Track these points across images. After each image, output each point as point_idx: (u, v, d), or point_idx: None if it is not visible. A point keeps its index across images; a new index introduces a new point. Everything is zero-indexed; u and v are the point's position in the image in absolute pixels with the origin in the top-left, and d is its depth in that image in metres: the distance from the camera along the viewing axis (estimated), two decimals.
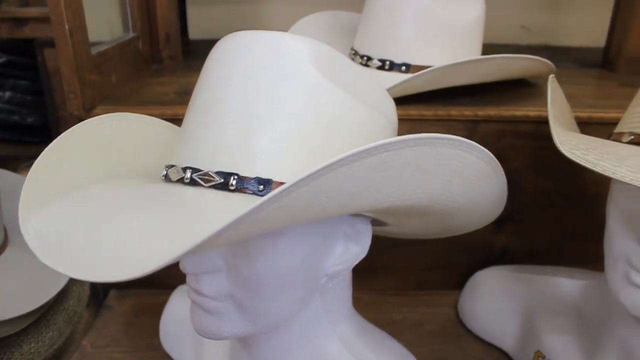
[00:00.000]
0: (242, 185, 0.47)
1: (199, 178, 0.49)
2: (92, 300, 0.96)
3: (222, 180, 0.48)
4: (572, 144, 0.55)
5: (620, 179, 0.48)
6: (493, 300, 0.84)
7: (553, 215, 0.89)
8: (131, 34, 1.00)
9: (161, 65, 1.09)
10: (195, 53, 1.19)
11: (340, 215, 0.50)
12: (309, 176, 0.39)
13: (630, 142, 0.59)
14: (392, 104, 0.60)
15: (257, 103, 0.48)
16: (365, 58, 0.85)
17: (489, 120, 0.82)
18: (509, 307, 0.82)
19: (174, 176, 0.50)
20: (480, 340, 0.84)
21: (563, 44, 1.26)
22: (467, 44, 0.85)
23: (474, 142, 0.46)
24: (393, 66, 0.83)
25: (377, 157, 0.42)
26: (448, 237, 0.69)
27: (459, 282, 0.90)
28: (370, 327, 0.66)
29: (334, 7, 1.02)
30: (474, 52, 0.87)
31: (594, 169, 0.50)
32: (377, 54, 0.84)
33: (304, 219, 0.45)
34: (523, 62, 0.82)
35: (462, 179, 0.50)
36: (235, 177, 0.47)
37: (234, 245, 0.50)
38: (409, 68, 0.82)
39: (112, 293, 0.93)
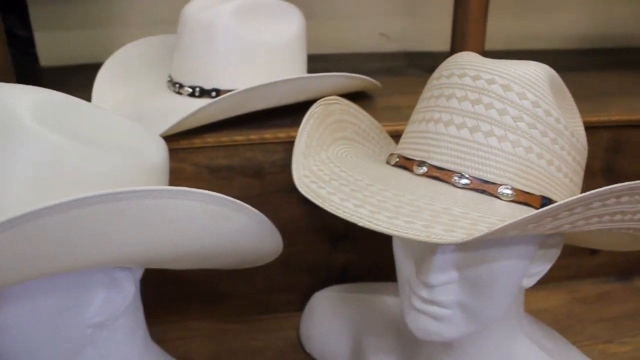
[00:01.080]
0: None
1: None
2: None
3: None
4: (317, 175, 0.53)
5: (342, 216, 0.46)
6: (327, 321, 0.82)
7: None
8: None
9: None
10: (48, 83, 1.14)
11: (76, 269, 0.48)
12: None
13: (396, 165, 0.57)
14: (156, 144, 0.57)
15: None
16: (177, 85, 0.82)
17: None
18: (341, 328, 0.81)
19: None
20: None
21: (422, 50, 1.25)
22: (285, 63, 0.83)
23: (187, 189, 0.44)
24: (203, 92, 0.80)
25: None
26: (286, 259, 0.67)
27: (304, 303, 0.88)
28: None
29: None
30: (295, 70, 0.85)
31: (322, 205, 0.48)
32: (188, 81, 0.81)
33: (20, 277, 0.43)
34: (335, 79, 0.80)
35: (179, 226, 0.47)
36: None
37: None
38: (219, 93, 0.79)
39: None
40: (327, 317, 0.82)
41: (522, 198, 0.52)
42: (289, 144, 0.80)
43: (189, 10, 0.80)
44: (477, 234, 0.41)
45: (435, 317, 0.56)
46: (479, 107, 0.52)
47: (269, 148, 0.80)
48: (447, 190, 0.51)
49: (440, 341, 0.58)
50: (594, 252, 0.99)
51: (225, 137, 0.79)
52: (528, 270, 0.57)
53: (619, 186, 0.42)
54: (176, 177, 0.81)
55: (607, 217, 0.46)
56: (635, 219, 0.47)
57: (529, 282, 0.58)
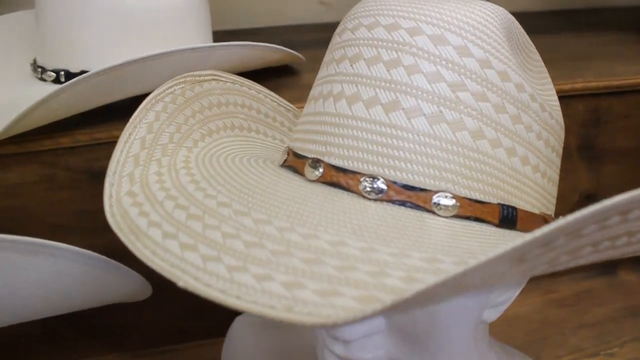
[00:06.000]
0: None
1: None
2: None
3: None
4: (150, 192, 0.32)
5: (156, 269, 0.26)
6: (249, 350, 0.63)
7: None
8: None
9: None
10: None
11: None
12: None
13: (285, 166, 0.36)
14: None
15: None
16: (40, 70, 0.60)
17: None
18: (259, 355, 0.61)
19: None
20: None
21: None
22: (177, 35, 0.61)
23: None
24: (70, 77, 0.58)
25: None
26: None
27: (224, 329, 0.68)
28: None
29: None
30: (186, 43, 0.63)
31: (132, 247, 0.27)
32: (51, 64, 0.59)
33: None
34: (238, 51, 0.59)
35: None
36: None
37: None
38: None
39: None
40: (249, 346, 0.63)
41: (471, 210, 0.31)
42: None
43: None
44: (375, 307, 0.21)
45: None
46: (397, 72, 0.32)
47: None
48: (351, 206, 0.30)
49: None
50: None
51: (101, 133, 0.58)
52: (488, 301, 0.37)
53: (625, 198, 0.21)
54: (47, 187, 0.60)
55: (606, 244, 0.25)
56: None
57: (493, 314, 0.38)
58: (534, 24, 0.99)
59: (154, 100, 0.37)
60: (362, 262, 0.24)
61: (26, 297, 0.34)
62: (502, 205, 0.32)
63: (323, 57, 0.77)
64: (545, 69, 0.41)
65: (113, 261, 0.35)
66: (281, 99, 0.52)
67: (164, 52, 0.51)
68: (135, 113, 0.36)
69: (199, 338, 0.71)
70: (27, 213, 0.60)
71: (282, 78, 0.69)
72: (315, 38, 0.92)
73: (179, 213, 0.28)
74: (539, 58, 0.41)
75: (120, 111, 0.58)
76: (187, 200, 0.29)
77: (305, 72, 0.72)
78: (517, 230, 0.33)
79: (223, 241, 0.26)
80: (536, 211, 0.35)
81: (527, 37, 0.39)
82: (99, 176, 0.60)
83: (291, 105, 0.54)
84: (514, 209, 0.33)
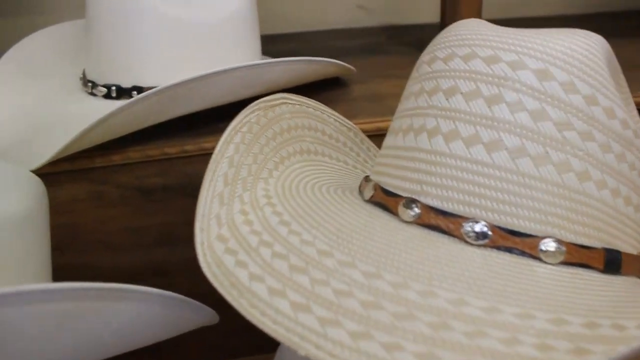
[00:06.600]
0: None
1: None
2: None
3: None
4: (239, 234, 0.30)
5: (274, 335, 0.24)
6: None
7: None
8: None
9: None
10: None
11: None
12: None
13: (372, 201, 0.35)
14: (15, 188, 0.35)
15: None
16: (90, 85, 0.59)
17: None
18: None
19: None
20: None
21: (407, 22, 1.01)
22: (228, 48, 0.60)
23: None
24: (121, 92, 0.57)
25: None
26: None
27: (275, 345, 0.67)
28: None
29: None
30: (243, 57, 0.61)
31: (237, 306, 0.26)
32: (102, 79, 0.58)
33: None
34: (294, 66, 0.57)
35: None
36: None
37: None
38: (141, 92, 0.56)
39: None
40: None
41: (577, 256, 0.30)
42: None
43: None
44: None
45: None
46: (499, 109, 0.30)
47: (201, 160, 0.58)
48: (456, 254, 0.29)
49: None
50: None
51: (153, 150, 0.56)
52: None
53: None
54: (98, 204, 0.58)
55: None
56: None
57: None
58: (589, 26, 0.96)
59: (233, 132, 0.35)
60: (490, 327, 0.23)
61: (101, 338, 0.33)
62: (607, 249, 0.31)
63: (369, 66, 0.75)
64: (629, 93, 0.39)
65: (192, 300, 0.34)
66: (343, 118, 0.50)
67: (234, 68, 0.49)
68: (218, 147, 0.35)
69: (249, 354, 0.70)
70: (77, 230, 0.59)
71: (332, 91, 0.67)
72: (356, 44, 0.90)
73: (280, 264, 0.27)
74: (625, 81, 0.39)
75: (170, 128, 0.57)
76: (283, 247, 0.28)
77: (354, 84, 0.70)
78: (622, 274, 0.31)
79: (337, 300, 0.24)
80: (635, 252, 0.33)
81: (617, 62, 0.37)
82: (149, 193, 0.59)
83: (352, 124, 0.52)
84: (618, 252, 0.31)
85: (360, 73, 0.70)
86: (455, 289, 0.25)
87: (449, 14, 0.80)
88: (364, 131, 0.54)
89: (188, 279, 0.63)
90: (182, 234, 0.61)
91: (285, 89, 0.60)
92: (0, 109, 0.59)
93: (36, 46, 0.66)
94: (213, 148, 0.56)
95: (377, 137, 0.57)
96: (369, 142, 0.53)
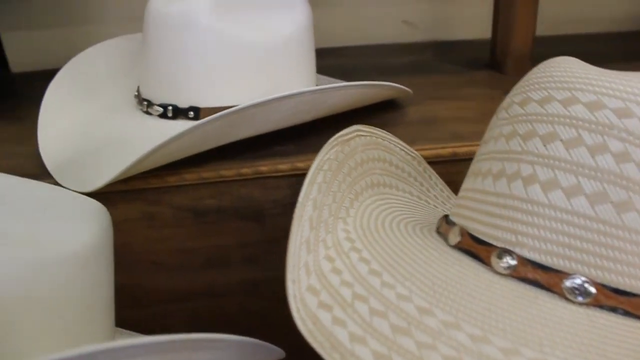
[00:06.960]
0: None
1: None
2: None
3: None
4: (330, 286, 0.29)
5: None
6: None
7: None
8: None
9: None
10: (19, 94, 0.91)
11: None
12: None
13: (458, 247, 0.33)
14: (82, 220, 0.35)
15: None
16: (146, 104, 0.58)
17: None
18: None
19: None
20: None
21: (455, 38, 1.00)
22: (285, 69, 0.59)
23: None
24: (178, 112, 0.56)
25: None
26: None
27: None
28: None
29: None
30: (299, 78, 0.61)
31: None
32: (158, 98, 0.57)
33: None
34: (353, 90, 0.56)
35: None
36: None
37: None
38: (197, 113, 0.56)
39: None
40: None
41: None
42: (294, 177, 0.56)
43: (155, 4, 0.56)
44: None
45: None
46: (603, 159, 0.28)
47: (268, 184, 0.57)
48: (561, 313, 0.27)
49: None
50: None
51: (207, 172, 0.56)
52: None
53: None
54: (150, 224, 0.58)
55: None
56: None
57: None
58: (629, 47, 0.94)
59: (316, 172, 0.34)
60: None
61: None
62: None
63: (421, 85, 0.74)
64: None
65: (266, 344, 0.32)
66: (408, 147, 0.49)
67: (299, 93, 0.48)
68: (303, 189, 0.33)
69: None
70: (129, 250, 0.59)
71: (388, 113, 0.66)
72: (404, 62, 0.89)
73: (379, 323, 0.25)
74: None
75: (224, 149, 0.56)
76: (380, 303, 0.27)
77: (408, 106, 0.68)
78: None
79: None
80: None
81: None
82: (203, 215, 0.58)
83: (415, 152, 0.51)
84: None
85: (413, 93, 0.69)
86: (569, 357, 0.24)
87: (502, 31, 0.78)
88: (424, 157, 0.53)
89: (237, 301, 0.62)
90: (233, 255, 0.60)
91: (342, 112, 0.60)
92: (56, 126, 0.59)
93: (91, 61, 0.66)
94: (269, 171, 0.56)
95: (437, 164, 0.55)
96: (430, 171, 0.52)
